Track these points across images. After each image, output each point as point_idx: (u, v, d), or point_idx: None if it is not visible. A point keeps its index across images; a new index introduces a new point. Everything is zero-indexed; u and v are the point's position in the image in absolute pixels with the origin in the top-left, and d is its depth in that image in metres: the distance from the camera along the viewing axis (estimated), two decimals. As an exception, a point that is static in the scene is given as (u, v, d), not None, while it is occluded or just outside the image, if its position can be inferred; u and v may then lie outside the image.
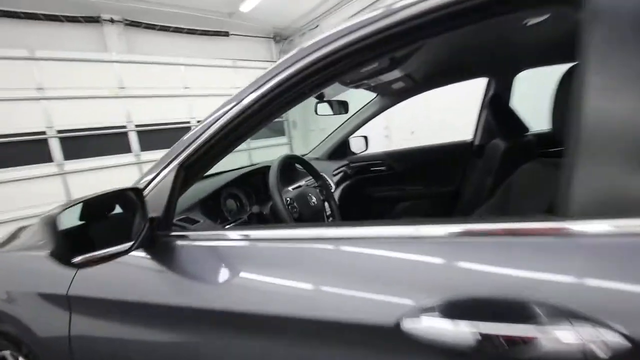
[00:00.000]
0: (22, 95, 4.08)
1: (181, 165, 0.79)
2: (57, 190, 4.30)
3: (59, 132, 4.31)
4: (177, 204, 0.81)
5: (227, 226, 1.07)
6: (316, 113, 1.67)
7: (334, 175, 2.06)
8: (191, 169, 0.80)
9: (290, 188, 1.40)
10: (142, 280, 0.78)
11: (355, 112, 2.25)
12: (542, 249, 0.44)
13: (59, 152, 4.32)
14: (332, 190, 1.73)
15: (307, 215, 1.09)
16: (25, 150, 4.04)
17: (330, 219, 1.26)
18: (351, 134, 2.30)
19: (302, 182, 1.47)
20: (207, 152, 0.78)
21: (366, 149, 2.47)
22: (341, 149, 2.39)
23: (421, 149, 2.27)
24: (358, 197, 2.41)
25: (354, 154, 2.47)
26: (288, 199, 1.08)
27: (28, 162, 4.08)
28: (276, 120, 6.87)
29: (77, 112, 4.46)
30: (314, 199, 1.17)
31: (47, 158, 4.23)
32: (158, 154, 5.10)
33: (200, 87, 5.79)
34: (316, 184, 1.32)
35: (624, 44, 0.42)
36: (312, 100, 1.87)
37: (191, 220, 0.99)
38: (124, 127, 4.95)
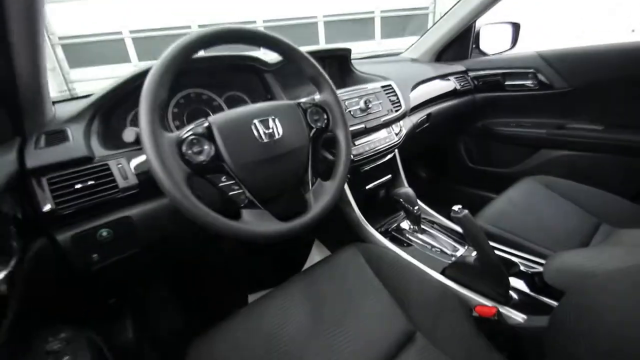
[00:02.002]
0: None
1: None
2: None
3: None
4: None
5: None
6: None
7: (429, 82, 1.24)
8: None
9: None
10: None
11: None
12: None
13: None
14: (397, 113, 1.00)
15: (241, 167, 0.52)
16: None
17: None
18: (477, 18, 1.31)
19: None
20: None
21: (512, 46, 1.43)
22: (460, 46, 1.44)
23: (621, 48, 1.09)
24: (466, 128, 1.52)
25: (483, 54, 1.47)
26: (200, 129, 0.50)
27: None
28: (414, 13, 5.41)
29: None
30: (273, 129, 0.55)
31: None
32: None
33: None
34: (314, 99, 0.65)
35: None
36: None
37: None
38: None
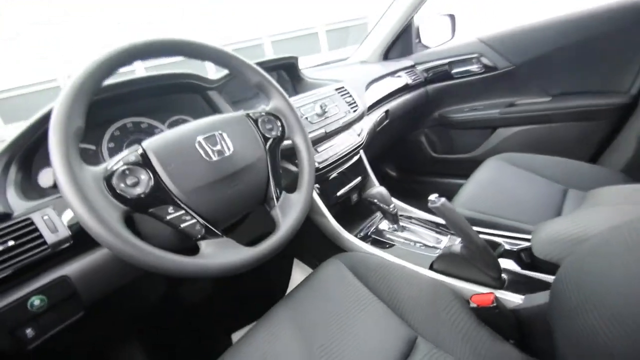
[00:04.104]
0: None
1: None
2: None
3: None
4: None
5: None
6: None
7: (382, 80, 1.24)
8: None
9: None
10: None
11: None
12: None
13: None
14: (355, 113, 0.97)
15: (191, 194, 0.45)
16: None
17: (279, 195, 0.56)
18: (413, 14, 1.34)
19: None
20: None
21: (452, 36, 1.48)
22: (404, 42, 1.47)
23: (553, 22, 1.16)
24: (425, 120, 1.54)
25: (426, 48, 1.51)
26: (132, 157, 0.43)
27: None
28: (354, 24, 5.64)
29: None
30: (222, 145, 0.49)
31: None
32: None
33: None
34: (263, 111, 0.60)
35: None
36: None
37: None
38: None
